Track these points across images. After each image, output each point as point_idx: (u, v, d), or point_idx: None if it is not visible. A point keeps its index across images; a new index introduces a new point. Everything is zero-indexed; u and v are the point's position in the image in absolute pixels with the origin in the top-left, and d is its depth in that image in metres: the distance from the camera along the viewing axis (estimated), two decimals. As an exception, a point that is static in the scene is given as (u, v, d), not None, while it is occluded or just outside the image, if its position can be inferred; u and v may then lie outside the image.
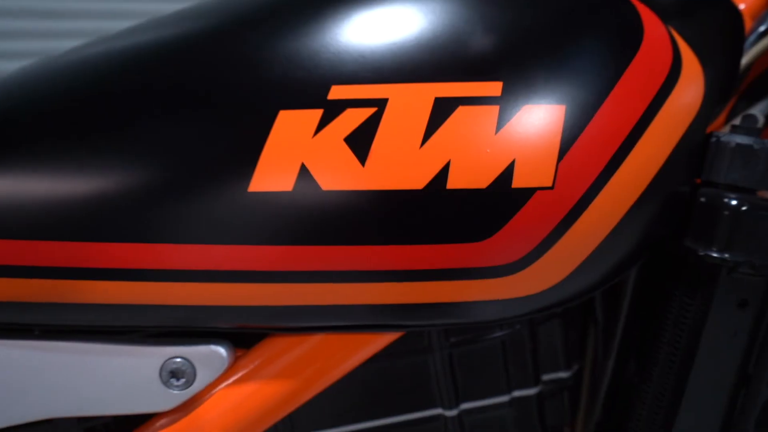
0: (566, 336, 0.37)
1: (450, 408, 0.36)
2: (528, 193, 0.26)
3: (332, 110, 0.27)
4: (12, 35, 1.61)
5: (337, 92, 0.27)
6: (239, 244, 0.27)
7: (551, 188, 0.26)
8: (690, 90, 0.29)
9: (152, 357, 0.30)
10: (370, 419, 0.36)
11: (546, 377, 0.37)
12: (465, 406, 0.36)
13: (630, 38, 0.28)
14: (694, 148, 0.30)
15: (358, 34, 0.29)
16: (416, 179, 0.26)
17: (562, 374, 0.38)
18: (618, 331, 0.36)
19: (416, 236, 0.27)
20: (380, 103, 0.27)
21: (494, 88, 0.27)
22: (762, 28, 0.35)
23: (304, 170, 0.27)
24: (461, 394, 0.36)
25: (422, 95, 0.27)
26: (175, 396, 0.31)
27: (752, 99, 0.37)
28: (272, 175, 0.27)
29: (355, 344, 0.31)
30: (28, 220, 0.29)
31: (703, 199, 0.30)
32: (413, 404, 0.36)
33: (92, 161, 0.28)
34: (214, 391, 0.31)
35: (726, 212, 0.28)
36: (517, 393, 0.36)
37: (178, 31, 0.32)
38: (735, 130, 0.30)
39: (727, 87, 0.33)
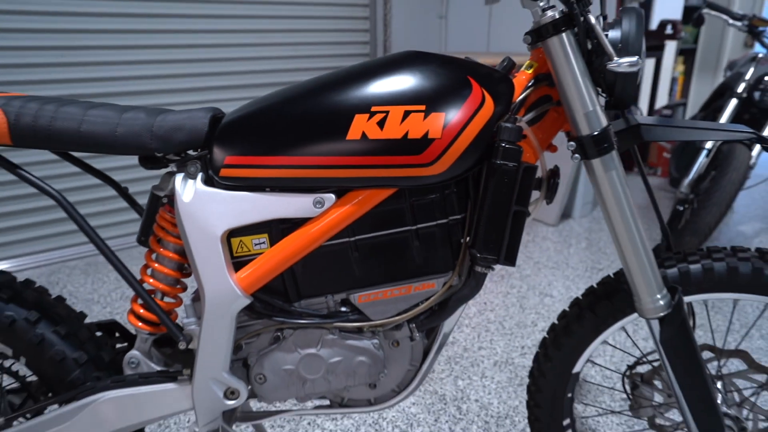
0: (458, 200, 0.93)
1: (413, 226, 0.93)
2: (433, 139, 0.83)
3: (372, 114, 0.84)
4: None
5: (373, 108, 0.84)
6: (340, 156, 0.84)
7: (440, 138, 0.83)
8: (487, 110, 0.84)
9: (310, 197, 0.88)
10: (382, 230, 0.92)
11: (450, 217, 0.93)
12: (419, 225, 0.92)
13: (467, 90, 0.84)
14: (491, 129, 0.86)
15: (379, 88, 0.85)
16: (398, 135, 0.83)
17: (457, 216, 0.93)
18: (479, 198, 0.92)
19: (397, 152, 0.83)
20: (386, 112, 0.84)
21: (422, 107, 0.83)
22: (529, 84, 0.92)
23: (363, 133, 0.84)
24: (418, 220, 0.92)
25: (400, 110, 0.83)
26: (316, 211, 0.88)
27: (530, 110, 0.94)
28: (353, 133, 0.84)
29: (378, 193, 0.88)
30: (277, 145, 0.86)
31: (495, 145, 0.86)
32: (398, 224, 0.92)
33: (303, 132, 0.86)
34: (330, 210, 0.89)
35: (501, 149, 0.85)
36: (440, 221, 0.92)
37: (321, 85, 0.89)
38: (507, 121, 0.87)
39: (506, 109, 0.88)
